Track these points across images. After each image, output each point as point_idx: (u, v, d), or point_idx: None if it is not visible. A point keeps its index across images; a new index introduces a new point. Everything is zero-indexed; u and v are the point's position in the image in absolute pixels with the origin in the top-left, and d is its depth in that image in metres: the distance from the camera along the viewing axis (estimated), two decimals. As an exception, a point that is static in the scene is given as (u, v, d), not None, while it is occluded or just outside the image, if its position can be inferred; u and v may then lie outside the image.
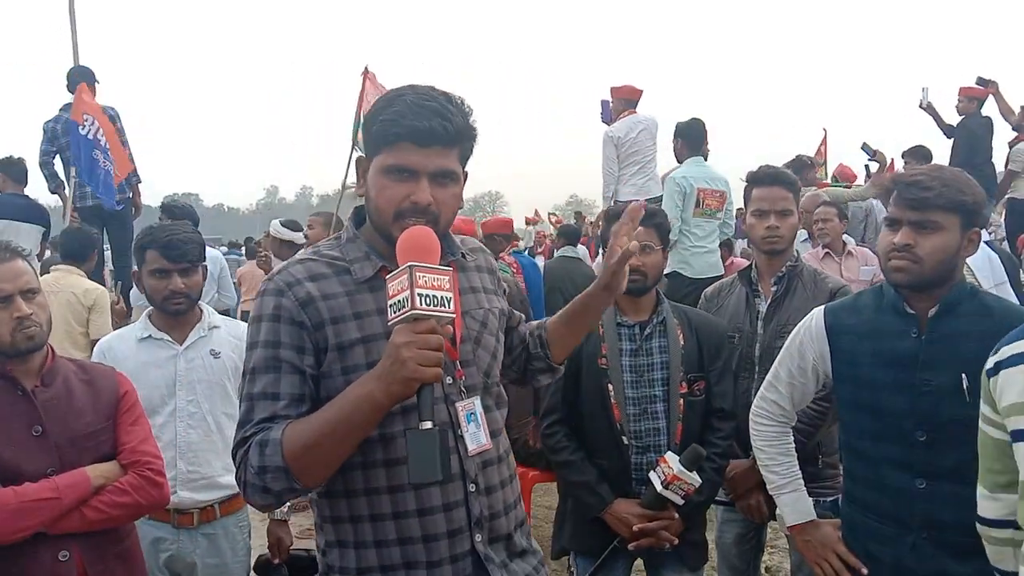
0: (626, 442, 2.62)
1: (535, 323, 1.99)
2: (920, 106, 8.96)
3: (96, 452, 2.19)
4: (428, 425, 1.42)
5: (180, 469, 2.68)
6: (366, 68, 7.53)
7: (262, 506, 1.65)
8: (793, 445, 2.37)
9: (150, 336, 2.78)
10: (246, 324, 3.12)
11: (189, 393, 2.76)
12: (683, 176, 6.04)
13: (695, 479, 2.39)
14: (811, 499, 2.39)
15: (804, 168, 8.47)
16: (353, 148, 7.47)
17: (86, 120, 6.51)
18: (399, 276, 1.43)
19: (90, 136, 6.48)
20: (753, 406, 2.39)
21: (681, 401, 2.64)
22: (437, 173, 1.61)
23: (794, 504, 2.32)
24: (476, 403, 1.70)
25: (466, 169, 1.71)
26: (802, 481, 2.33)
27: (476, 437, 1.68)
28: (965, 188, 2.01)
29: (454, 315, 1.45)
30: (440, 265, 1.46)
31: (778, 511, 2.43)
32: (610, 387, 2.64)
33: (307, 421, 1.54)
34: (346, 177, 7.66)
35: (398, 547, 1.62)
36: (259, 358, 1.61)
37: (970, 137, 8.60)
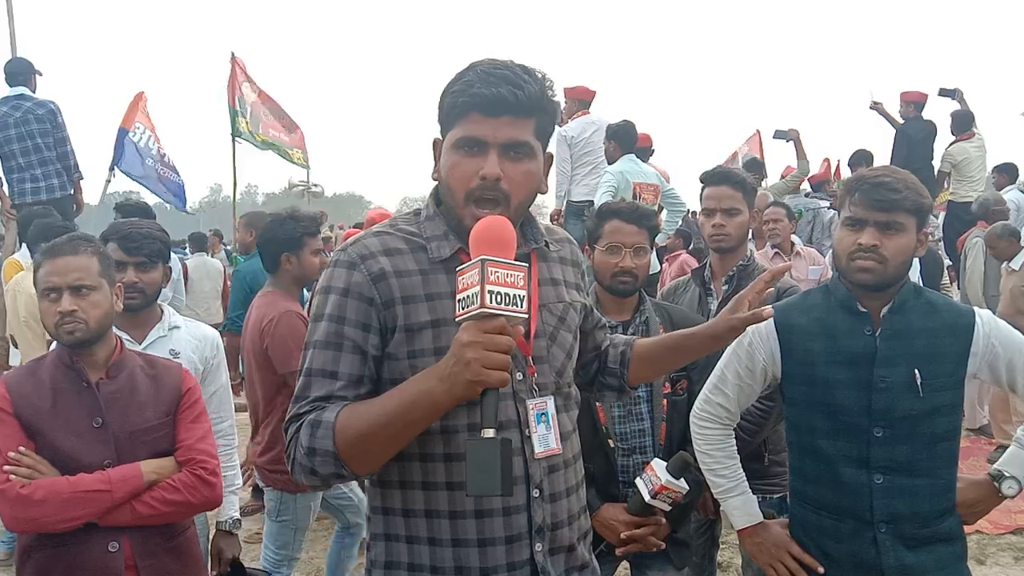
0: (612, 445, 2.56)
1: (623, 337, 1.89)
2: (870, 107, 9.19)
3: (153, 447, 2.22)
4: (490, 433, 1.33)
5: None
6: (233, 54, 7.32)
7: (308, 486, 1.61)
8: (736, 447, 2.35)
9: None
10: (204, 324, 3.08)
11: None
12: (619, 171, 6.26)
13: (683, 486, 2.34)
14: (757, 497, 2.38)
15: (756, 168, 8.69)
16: (234, 140, 7.26)
17: (137, 128, 6.81)
18: (470, 270, 1.35)
19: (141, 144, 6.81)
20: (696, 408, 2.35)
21: (664, 401, 2.61)
22: (508, 145, 1.49)
23: (743, 507, 2.30)
24: (549, 403, 1.60)
25: (549, 149, 1.61)
26: (747, 483, 2.32)
27: (545, 440, 1.58)
28: (922, 190, 2.05)
29: (526, 315, 1.36)
30: (516, 261, 1.37)
31: (722, 509, 2.44)
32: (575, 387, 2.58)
33: (363, 407, 1.47)
34: (235, 173, 7.41)
35: (451, 548, 1.53)
36: (322, 332, 1.53)
37: (908, 142, 8.87)
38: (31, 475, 2.08)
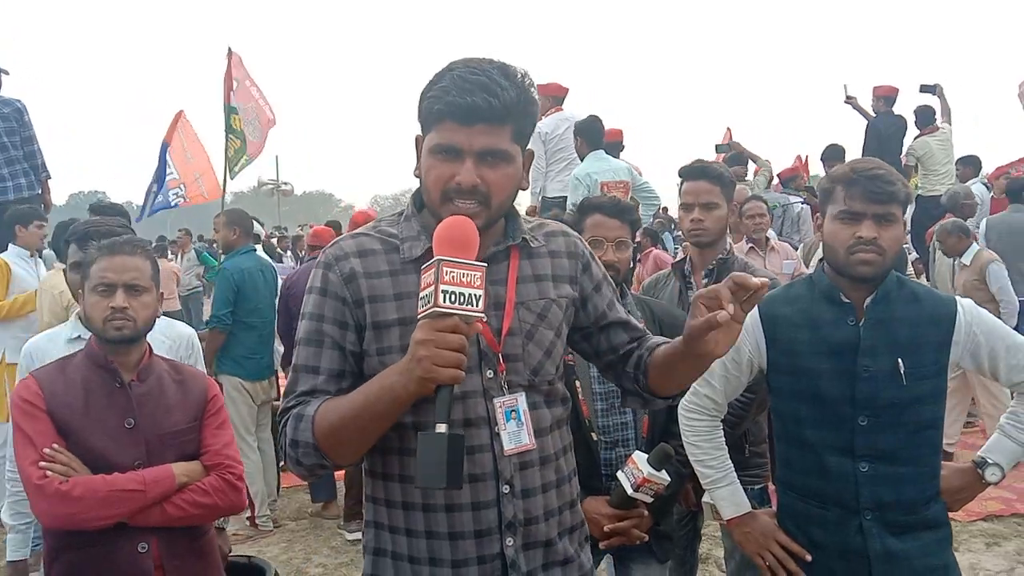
0: (595, 438, 2.56)
1: (654, 340, 1.76)
2: (844, 101, 9.31)
3: (180, 450, 2.27)
4: (442, 428, 1.37)
5: None
6: (230, 49, 7.34)
7: (298, 474, 1.64)
8: (723, 438, 2.37)
9: (80, 336, 2.64)
10: (179, 323, 3.03)
11: None
12: (585, 173, 6.24)
13: (664, 478, 2.33)
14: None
15: (739, 162, 8.81)
16: (227, 138, 7.28)
17: (174, 145, 7.42)
18: (429, 269, 1.39)
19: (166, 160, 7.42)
20: (684, 400, 2.36)
21: None
22: (484, 152, 1.51)
23: (731, 497, 2.32)
24: (520, 400, 1.61)
25: (529, 147, 1.63)
26: (735, 474, 2.34)
27: (516, 436, 1.60)
28: (905, 181, 2.10)
29: (482, 314, 1.40)
30: (474, 261, 1.40)
31: (705, 499, 2.45)
32: (577, 383, 2.57)
33: (338, 402, 1.53)
34: (226, 171, 7.43)
35: (425, 540, 1.59)
36: (305, 330, 1.62)
37: (878, 136, 9.00)
38: (67, 472, 2.11)
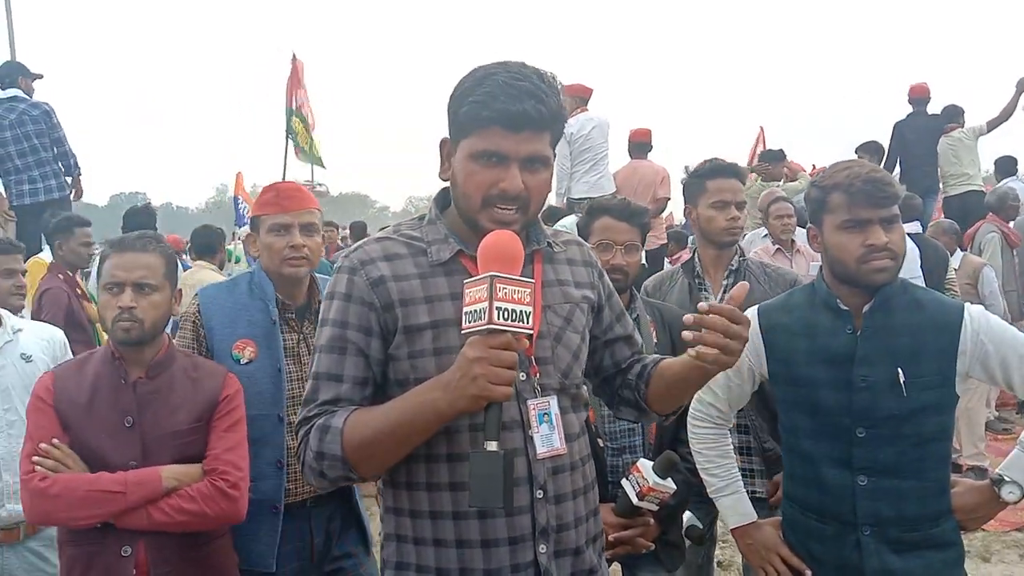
0: (601, 444, 2.51)
1: (655, 356, 1.82)
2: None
3: (181, 452, 2.16)
4: (494, 446, 1.36)
5: (6, 481, 2.53)
6: (294, 55, 7.49)
7: (318, 486, 1.61)
8: (731, 447, 2.32)
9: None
10: (49, 325, 2.94)
11: (5, 401, 2.59)
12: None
13: (670, 486, 2.28)
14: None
15: (777, 160, 8.66)
16: (287, 138, 7.42)
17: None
18: (479, 284, 1.38)
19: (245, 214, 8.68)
20: (691, 408, 2.32)
21: None
22: (528, 159, 1.52)
23: (735, 506, 2.28)
24: (552, 403, 1.60)
25: (555, 151, 1.62)
26: (741, 483, 2.30)
27: (548, 440, 1.58)
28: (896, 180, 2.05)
29: (532, 331, 1.40)
30: (523, 277, 1.40)
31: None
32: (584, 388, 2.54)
33: (370, 414, 1.51)
34: (285, 170, 7.60)
35: (455, 549, 1.54)
36: (327, 337, 1.58)
37: (901, 139, 8.77)
38: (57, 468, 2.06)
